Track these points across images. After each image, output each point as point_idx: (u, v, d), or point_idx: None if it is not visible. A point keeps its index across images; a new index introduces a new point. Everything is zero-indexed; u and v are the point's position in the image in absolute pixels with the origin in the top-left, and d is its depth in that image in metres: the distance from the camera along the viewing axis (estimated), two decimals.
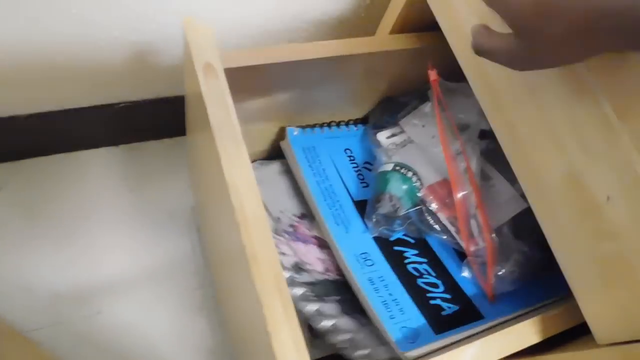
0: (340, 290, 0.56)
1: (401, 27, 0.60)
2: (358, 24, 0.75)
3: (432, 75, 0.56)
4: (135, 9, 0.60)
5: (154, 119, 0.81)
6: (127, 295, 0.74)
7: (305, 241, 0.59)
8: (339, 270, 0.57)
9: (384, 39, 0.57)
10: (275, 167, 0.65)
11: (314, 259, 0.58)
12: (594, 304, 0.42)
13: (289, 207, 0.62)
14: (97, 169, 0.82)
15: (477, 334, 0.50)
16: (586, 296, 0.42)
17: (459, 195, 0.54)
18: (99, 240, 0.77)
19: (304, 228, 0.60)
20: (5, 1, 0.53)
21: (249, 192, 0.42)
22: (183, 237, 0.79)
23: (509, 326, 0.46)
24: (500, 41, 0.33)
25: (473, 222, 0.54)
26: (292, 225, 0.60)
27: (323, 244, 0.59)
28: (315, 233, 0.60)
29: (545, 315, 0.47)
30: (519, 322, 0.47)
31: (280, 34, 0.72)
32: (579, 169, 0.39)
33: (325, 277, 0.57)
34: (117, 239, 0.77)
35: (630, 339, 0.39)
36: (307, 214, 0.61)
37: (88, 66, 0.67)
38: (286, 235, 0.58)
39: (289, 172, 0.64)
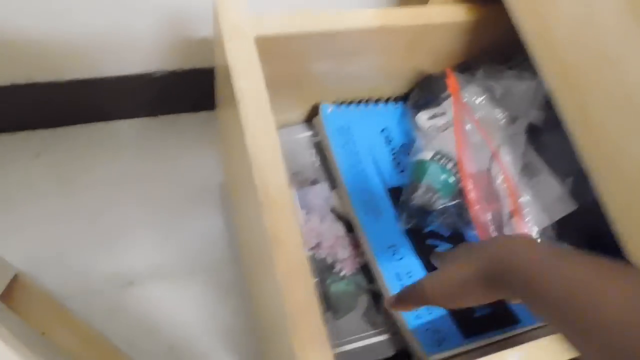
0: (321, 271, 0.54)
1: None
2: None
3: (452, 84, 0.50)
4: None
5: (190, 90, 0.80)
6: (159, 268, 0.74)
7: (309, 210, 0.57)
8: (331, 249, 0.54)
9: (431, 11, 0.52)
10: (299, 129, 0.62)
11: (308, 230, 0.55)
12: None
13: (303, 170, 0.59)
14: (133, 139, 0.81)
15: (509, 338, 0.46)
16: None
17: (477, 207, 0.49)
18: (133, 211, 0.77)
19: (311, 195, 0.57)
20: None
21: (274, 169, 0.39)
22: (217, 212, 0.78)
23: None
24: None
25: (508, 230, 0.49)
26: (300, 190, 0.58)
27: (326, 217, 0.56)
28: (322, 202, 0.57)
29: None
30: None
31: None
32: None
33: (314, 253, 0.54)
34: (151, 211, 0.77)
35: None
36: (320, 180, 0.59)
37: (126, 33, 0.66)
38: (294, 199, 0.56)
39: (315, 137, 0.61)
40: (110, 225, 0.75)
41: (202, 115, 0.84)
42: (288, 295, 0.36)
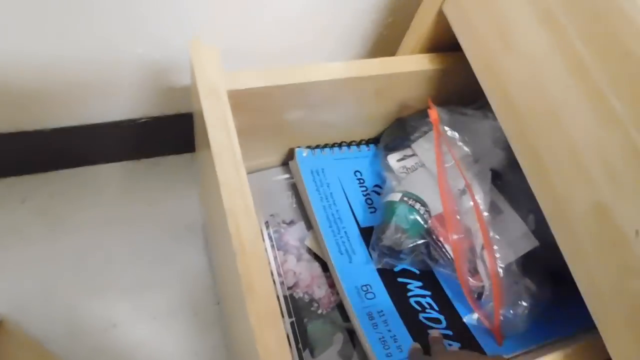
0: (298, 310, 0.55)
1: (422, 47, 0.58)
2: (381, 41, 0.74)
3: (433, 114, 0.54)
4: (158, 29, 0.61)
5: (174, 134, 0.82)
6: (143, 308, 0.75)
7: (286, 250, 0.59)
8: (308, 288, 0.57)
9: (398, 61, 0.56)
10: (276, 172, 0.65)
11: (286, 270, 0.58)
12: (620, 343, 0.39)
13: (281, 212, 0.62)
14: (118, 182, 0.83)
15: None
16: (612, 334, 0.40)
17: (455, 237, 0.51)
18: (117, 252, 0.78)
19: (288, 236, 0.60)
20: (33, 22, 0.55)
21: (247, 219, 0.41)
22: (199, 251, 0.80)
23: None
24: None
25: (479, 262, 0.51)
26: (277, 231, 0.60)
27: (303, 257, 0.59)
28: (298, 243, 0.60)
29: (564, 352, 0.44)
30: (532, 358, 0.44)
31: (302, 50, 0.72)
32: (606, 200, 0.37)
33: (291, 292, 0.56)
34: (135, 252, 0.78)
35: None
36: (297, 221, 0.61)
37: (111, 82, 0.68)
38: (270, 242, 0.59)
39: (291, 179, 0.64)
40: (94, 267, 0.76)
41: (185, 157, 0.87)
42: (260, 341, 0.38)
